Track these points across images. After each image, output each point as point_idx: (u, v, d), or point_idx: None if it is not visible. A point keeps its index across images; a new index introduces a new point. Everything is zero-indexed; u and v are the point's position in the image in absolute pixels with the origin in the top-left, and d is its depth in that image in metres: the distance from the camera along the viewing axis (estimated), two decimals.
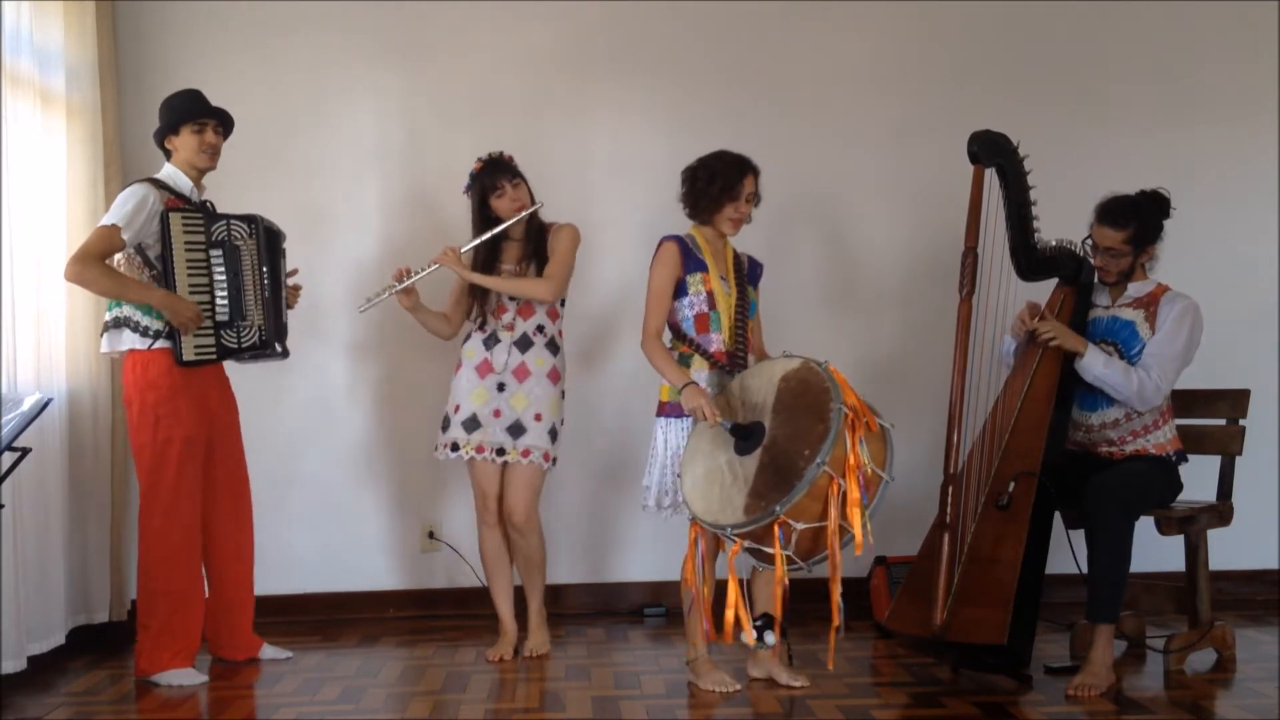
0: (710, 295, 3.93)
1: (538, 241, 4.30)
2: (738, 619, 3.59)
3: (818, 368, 3.60)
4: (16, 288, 4.09)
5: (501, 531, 4.37)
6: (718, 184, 3.92)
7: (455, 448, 4.27)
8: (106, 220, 3.94)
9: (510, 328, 4.25)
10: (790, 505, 3.40)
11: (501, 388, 4.26)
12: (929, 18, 5.14)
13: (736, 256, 4.04)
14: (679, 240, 3.98)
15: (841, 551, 3.47)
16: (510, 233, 4.32)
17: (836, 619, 3.54)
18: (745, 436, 3.63)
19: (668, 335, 4.00)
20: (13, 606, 3.87)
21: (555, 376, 4.31)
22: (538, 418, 4.25)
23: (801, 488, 3.39)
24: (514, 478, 4.28)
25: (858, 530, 3.40)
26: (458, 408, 4.29)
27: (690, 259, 3.96)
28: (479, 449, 4.25)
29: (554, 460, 4.31)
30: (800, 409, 3.53)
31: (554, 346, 4.32)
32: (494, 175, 4.27)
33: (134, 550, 4.76)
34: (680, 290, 3.95)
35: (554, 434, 4.30)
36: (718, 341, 3.93)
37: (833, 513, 3.41)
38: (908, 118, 5.13)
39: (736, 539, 3.51)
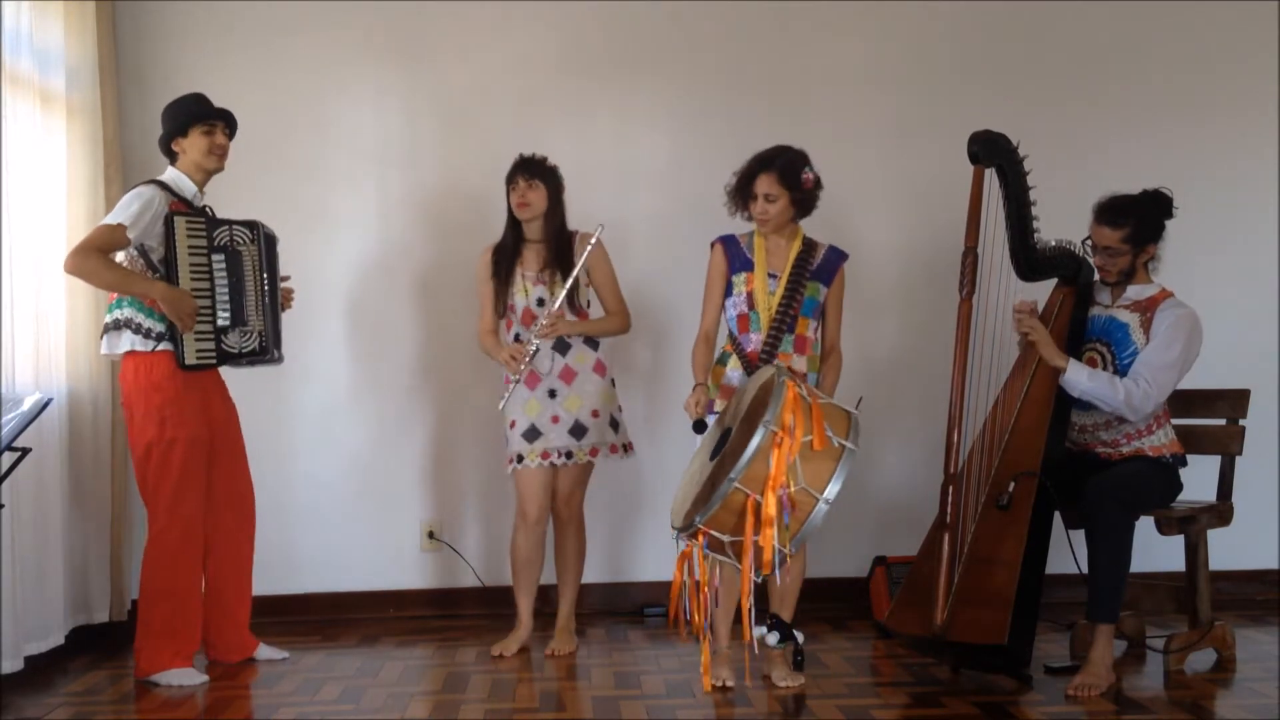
0: (750, 295, 3.95)
1: (559, 248, 4.30)
2: (712, 619, 3.57)
3: (777, 379, 3.51)
4: (16, 288, 4.09)
5: (537, 536, 4.36)
6: (734, 186, 4.00)
7: (520, 459, 4.29)
8: (111, 219, 3.94)
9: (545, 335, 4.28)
10: (708, 517, 3.37)
11: (553, 394, 4.29)
12: (929, 18, 5.14)
13: (806, 251, 4.00)
14: (724, 241, 4.05)
15: (777, 570, 3.37)
16: (528, 235, 4.35)
17: (747, 634, 3.50)
18: (701, 431, 3.80)
19: (725, 335, 4.06)
20: (11, 607, 3.87)
21: (601, 369, 4.35)
22: (595, 414, 4.31)
23: (714, 503, 3.36)
24: (565, 471, 4.34)
25: (767, 550, 3.31)
26: (514, 423, 4.31)
27: (737, 259, 4.01)
28: (544, 455, 4.27)
29: (624, 448, 4.39)
30: (752, 420, 3.48)
31: (593, 342, 4.36)
32: (514, 172, 4.34)
33: (134, 550, 4.80)
34: (729, 289, 4.01)
35: (615, 424, 4.36)
36: (755, 341, 3.95)
37: (747, 529, 3.34)
38: (907, 118, 5.12)
39: (686, 542, 3.51)
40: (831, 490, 3.39)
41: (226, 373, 4.27)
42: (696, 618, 3.57)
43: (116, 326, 4.02)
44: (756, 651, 3.80)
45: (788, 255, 3.99)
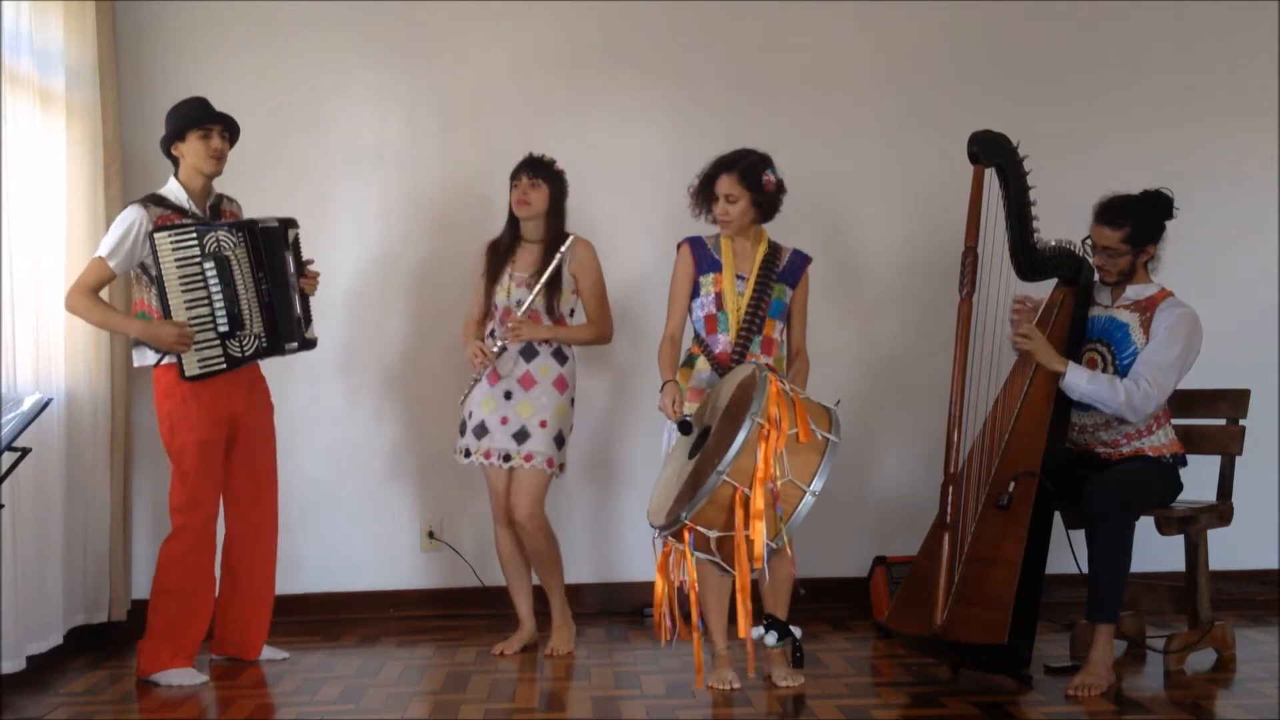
0: (719, 296, 3.96)
1: (553, 253, 4.29)
2: (685, 618, 3.52)
3: (759, 374, 3.51)
4: (16, 288, 4.09)
5: (513, 533, 4.40)
6: (696, 188, 4.02)
7: (468, 454, 4.33)
8: (97, 251, 4.06)
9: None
10: (694, 513, 3.35)
11: (509, 395, 4.29)
12: (929, 17, 5.13)
13: (771, 253, 4.02)
14: (691, 242, 4.06)
15: (768, 561, 3.37)
16: (526, 235, 4.35)
17: (743, 630, 3.44)
18: (689, 433, 3.72)
19: (690, 336, 4.06)
20: (12, 607, 3.87)
21: (562, 385, 4.33)
22: (542, 424, 4.29)
23: (701, 497, 3.34)
24: (516, 480, 4.32)
25: (759, 543, 3.29)
26: (471, 414, 4.33)
27: (705, 259, 4.02)
28: (486, 455, 4.30)
29: (560, 466, 4.35)
30: (734, 416, 3.47)
31: (561, 355, 4.35)
32: (518, 170, 4.33)
33: (134, 550, 4.85)
34: (695, 291, 4.01)
35: (560, 441, 4.33)
36: (724, 343, 3.95)
37: (738, 523, 3.32)
38: (907, 117, 5.12)
39: (667, 540, 3.49)
40: (817, 483, 3.37)
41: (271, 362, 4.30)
42: (677, 619, 3.50)
43: (138, 342, 4.10)
44: (762, 643, 3.79)
45: (754, 257, 4.01)
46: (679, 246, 4.09)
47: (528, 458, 4.28)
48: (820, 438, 3.40)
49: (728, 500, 3.34)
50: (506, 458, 4.29)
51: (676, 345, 4.07)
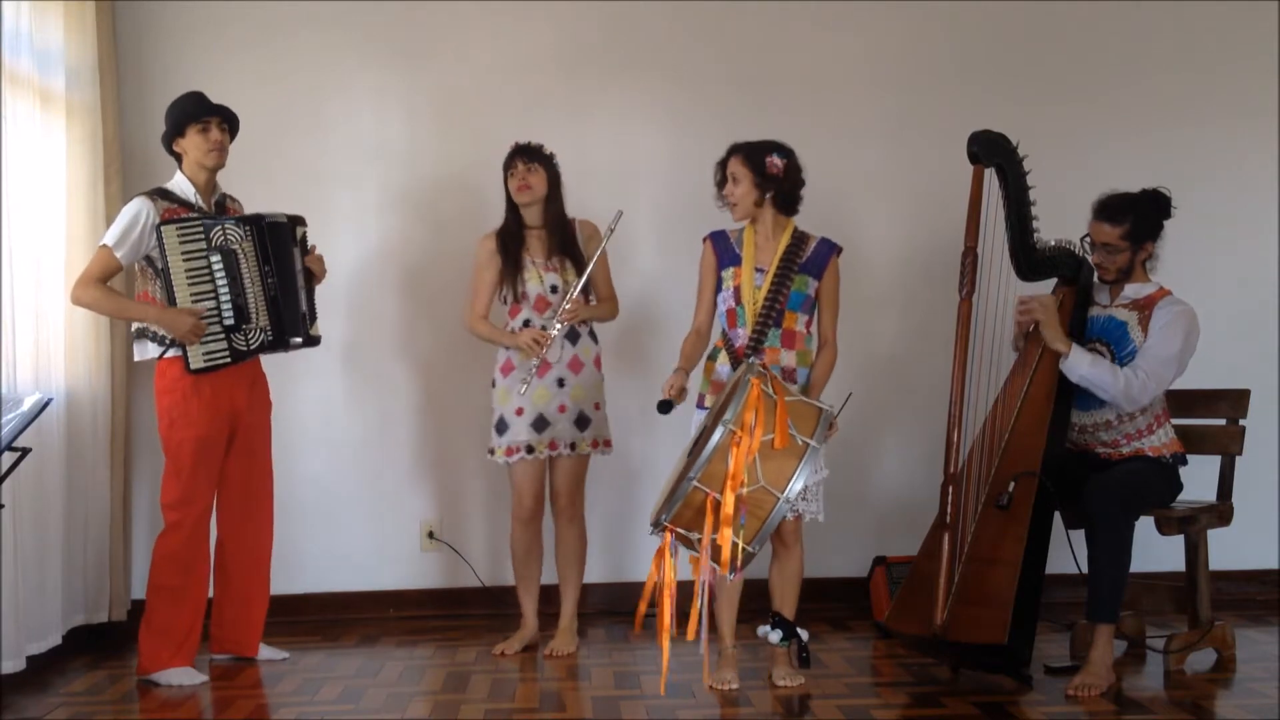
0: (738, 290, 3.96)
1: (563, 235, 4.35)
2: (686, 617, 3.48)
3: (743, 376, 3.45)
4: (16, 288, 4.09)
5: (535, 529, 4.40)
6: (717, 174, 4.03)
7: (530, 449, 4.30)
8: (103, 240, 4.05)
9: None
10: (672, 515, 3.32)
11: (561, 383, 4.31)
12: (929, 17, 5.13)
13: (794, 244, 3.97)
14: (714, 236, 4.07)
15: (733, 571, 3.29)
16: (529, 221, 4.36)
17: (691, 633, 3.38)
18: (666, 411, 3.82)
19: (718, 331, 4.06)
20: (12, 607, 3.87)
21: (598, 364, 4.42)
22: (596, 406, 4.37)
23: (676, 501, 3.31)
24: (564, 467, 4.35)
25: (725, 549, 3.23)
26: (520, 410, 4.29)
27: (726, 254, 4.02)
28: (552, 445, 4.30)
29: (607, 444, 4.44)
30: (719, 417, 3.43)
31: (594, 336, 4.42)
32: (513, 157, 4.35)
33: (134, 550, 4.84)
34: (719, 285, 4.03)
35: (606, 420, 4.43)
36: (743, 336, 3.94)
37: (706, 528, 3.27)
38: (907, 117, 5.12)
39: (661, 539, 3.48)
40: (793, 488, 3.29)
41: (273, 358, 4.30)
42: (665, 617, 3.39)
43: (139, 335, 4.10)
44: (768, 646, 3.76)
45: (776, 249, 3.98)
46: (703, 242, 4.08)
47: (594, 444, 4.35)
48: (800, 443, 3.33)
49: (700, 504, 3.31)
50: (573, 446, 4.32)
51: (701, 338, 4.05)
